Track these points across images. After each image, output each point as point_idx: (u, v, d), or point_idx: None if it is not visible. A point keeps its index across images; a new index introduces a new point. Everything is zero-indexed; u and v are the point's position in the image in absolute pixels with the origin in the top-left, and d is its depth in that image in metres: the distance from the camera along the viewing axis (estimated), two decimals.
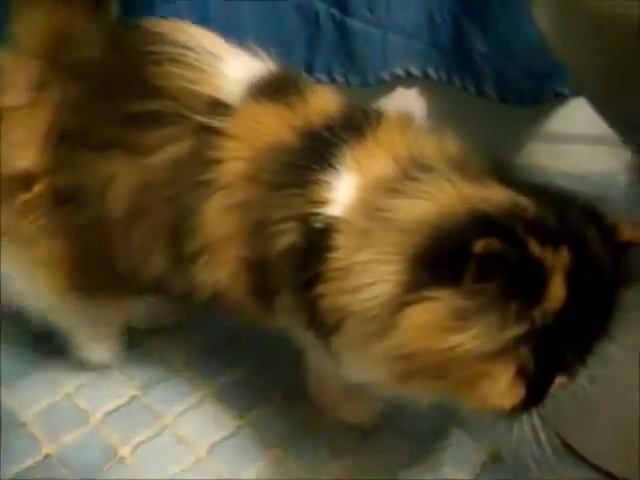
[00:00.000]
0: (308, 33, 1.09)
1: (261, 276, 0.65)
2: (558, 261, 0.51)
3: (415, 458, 0.78)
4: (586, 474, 0.77)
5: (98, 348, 0.87)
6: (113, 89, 0.69)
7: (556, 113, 1.19)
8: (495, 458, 0.78)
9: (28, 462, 0.78)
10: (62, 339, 0.84)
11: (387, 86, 1.14)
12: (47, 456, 0.78)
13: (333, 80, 1.11)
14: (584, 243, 0.54)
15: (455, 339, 0.51)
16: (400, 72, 1.12)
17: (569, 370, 0.56)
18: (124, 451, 0.79)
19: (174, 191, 0.66)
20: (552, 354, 0.54)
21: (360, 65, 1.10)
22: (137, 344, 0.90)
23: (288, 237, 0.61)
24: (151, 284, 0.72)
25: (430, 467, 0.78)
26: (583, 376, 0.57)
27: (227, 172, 0.64)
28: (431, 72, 1.13)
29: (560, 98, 1.14)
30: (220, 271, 0.66)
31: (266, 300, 0.66)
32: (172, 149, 0.66)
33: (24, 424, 0.81)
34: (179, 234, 0.67)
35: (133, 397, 0.85)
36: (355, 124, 0.63)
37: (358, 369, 0.63)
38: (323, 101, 0.67)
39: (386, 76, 1.11)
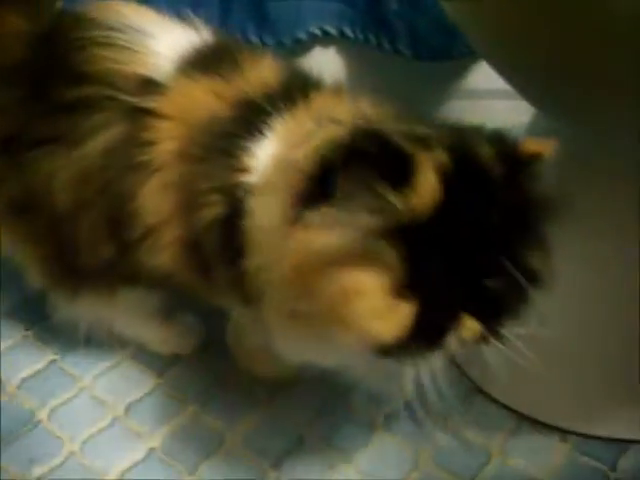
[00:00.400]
0: None
1: (196, 254, 0.64)
2: (430, 158, 0.49)
3: (329, 409, 0.80)
4: (506, 420, 0.79)
5: (169, 342, 0.86)
6: (45, 84, 0.68)
7: (472, 69, 1.21)
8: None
9: None
10: None
11: (304, 46, 1.14)
12: None
13: (248, 41, 1.10)
14: (470, 156, 0.52)
15: (320, 240, 0.49)
16: (316, 31, 1.13)
17: (477, 312, 0.51)
18: (41, 414, 0.80)
19: (111, 178, 0.65)
20: (442, 281, 0.49)
21: (275, 25, 1.10)
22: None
23: (213, 209, 0.61)
24: (106, 274, 0.71)
25: (343, 416, 0.80)
26: (512, 335, 0.53)
27: (161, 153, 0.63)
28: (347, 31, 1.13)
29: (475, 54, 1.16)
30: (163, 254, 0.66)
31: (206, 279, 0.66)
32: (105, 135, 0.65)
33: None
34: (120, 222, 0.66)
35: (50, 362, 0.86)
36: (291, 94, 0.63)
37: (285, 343, 0.62)
38: (261, 71, 0.66)
39: (302, 35, 1.11)
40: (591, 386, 0.76)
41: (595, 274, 0.72)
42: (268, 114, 0.61)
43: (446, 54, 1.13)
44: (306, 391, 0.81)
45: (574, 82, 0.62)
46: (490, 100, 1.25)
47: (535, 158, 0.55)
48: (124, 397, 0.81)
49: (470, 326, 0.52)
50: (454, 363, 0.82)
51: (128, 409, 0.80)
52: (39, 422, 0.79)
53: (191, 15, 0.72)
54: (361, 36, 1.13)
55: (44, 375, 0.84)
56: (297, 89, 0.64)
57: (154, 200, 0.64)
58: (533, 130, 0.82)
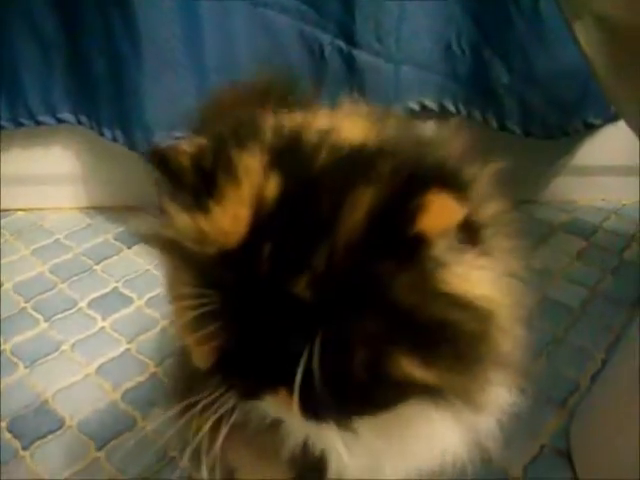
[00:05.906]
0: (313, 65, 1.01)
1: None
2: (252, 185, 0.39)
3: None
4: None
5: None
6: None
7: (584, 144, 1.10)
8: None
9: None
10: None
11: None
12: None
13: None
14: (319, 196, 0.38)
15: None
16: (414, 106, 1.03)
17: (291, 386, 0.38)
18: None
19: None
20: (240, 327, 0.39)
21: (370, 99, 1.01)
22: None
23: None
24: None
25: None
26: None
27: None
28: (448, 105, 1.04)
29: (589, 129, 1.05)
30: None
31: None
32: None
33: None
34: None
35: None
36: None
37: None
38: None
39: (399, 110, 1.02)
40: None
41: None
42: None
43: (561, 130, 1.03)
44: None
45: None
46: (601, 177, 1.15)
47: (424, 238, 0.36)
48: None
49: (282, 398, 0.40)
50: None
51: None
52: None
53: None
54: (464, 111, 1.04)
55: None
56: None
57: None
58: None
